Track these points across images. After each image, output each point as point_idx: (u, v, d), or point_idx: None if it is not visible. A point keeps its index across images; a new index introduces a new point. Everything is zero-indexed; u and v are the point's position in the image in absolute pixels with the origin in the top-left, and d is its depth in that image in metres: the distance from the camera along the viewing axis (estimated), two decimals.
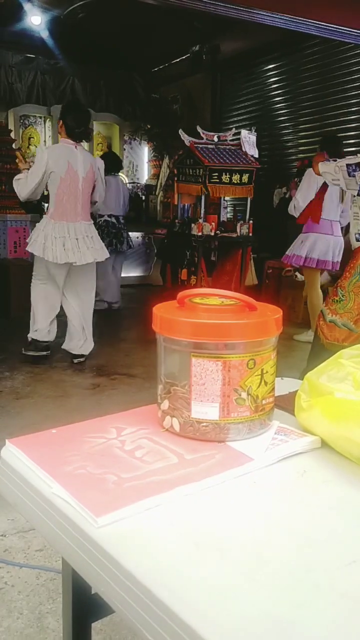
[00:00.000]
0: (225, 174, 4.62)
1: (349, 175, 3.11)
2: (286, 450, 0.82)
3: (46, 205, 4.44)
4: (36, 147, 7.54)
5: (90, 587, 0.88)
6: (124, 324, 5.66)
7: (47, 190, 3.87)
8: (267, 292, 5.60)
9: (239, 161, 4.70)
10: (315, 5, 4.23)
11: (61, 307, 4.07)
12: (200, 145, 4.70)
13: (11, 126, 7.57)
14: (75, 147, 3.80)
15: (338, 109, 5.76)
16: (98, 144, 8.46)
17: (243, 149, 4.75)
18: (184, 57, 7.55)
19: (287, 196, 5.51)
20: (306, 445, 0.84)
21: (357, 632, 0.50)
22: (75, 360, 4.08)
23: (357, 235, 3.14)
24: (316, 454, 0.83)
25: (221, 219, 5.28)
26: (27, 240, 4.05)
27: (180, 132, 4.77)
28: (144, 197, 8.20)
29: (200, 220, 4.74)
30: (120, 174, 7.14)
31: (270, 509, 0.70)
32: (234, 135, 4.93)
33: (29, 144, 7.83)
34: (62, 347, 4.08)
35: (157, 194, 8.14)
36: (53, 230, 3.76)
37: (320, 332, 3.21)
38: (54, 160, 3.70)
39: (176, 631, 0.51)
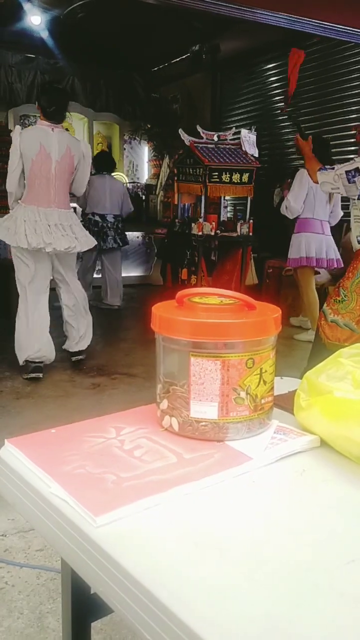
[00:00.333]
0: (226, 174, 4.63)
1: (349, 182, 3.13)
2: (285, 449, 0.82)
3: None
4: None
5: (90, 586, 0.88)
6: (124, 323, 5.66)
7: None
8: (268, 292, 5.59)
9: (239, 160, 4.70)
10: (319, 5, 4.22)
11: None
12: (200, 145, 4.70)
13: (11, 126, 7.57)
14: (52, 129, 3.56)
15: (338, 108, 5.75)
16: (98, 144, 8.46)
17: (243, 148, 4.75)
18: (183, 57, 7.54)
19: (275, 195, 5.57)
20: (305, 445, 0.84)
21: (356, 631, 0.50)
22: (73, 359, 3.96)
23: (358, 238, 3.15)
24: (315, 453, 0.83)
25: (221, 219, 5.28)
26: None
27: (180, 131, 4.77)
28: (144, 197, 8.20)
29: (201, 220, 4.74)
30: (120, 174, 7.13)
31: (270, 508, 0.70)
32: (234, 134, 4.94)
33: None
34: (63, 347, 3.99)
35: (157, 193, 8.14)
36: (23, 214, 3.51)
37: (322, 332, 3.21)
38: (26, 143, 3.50)
39: (175, 631, 0.51)
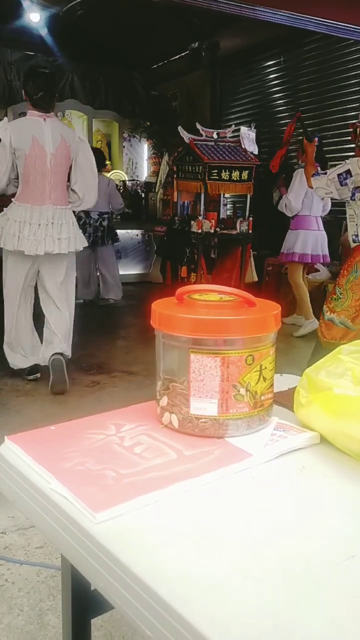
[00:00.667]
0: (225, 171, 4.63)
1: (341, 184, 3.19)
2: (285, 446, 0.82)
3: None
4: None
5: (90, 583, 0.88)
6: (123, 321, 5.66)
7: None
8: (267, 290, 5.60)
9: (238, 158, 4.70)
10: (319, 2, 4.22)
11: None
12: (200, 142, 4.70)
13: None
14: (44, 119, 3.25)
15: (337, 105, 5.75)
16: (97, 141, 8.45)
17: (242, 145, 4.75)
18: (183, 54, 7.53)
19: (274, 192, 5.60)
20: (305, 441, 0.84)
21: (356, 627, 0.50)
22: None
23: (353, 237, 3.19)
24: (315, 450, 0.83)
25: (221, 216, 5.29)
26: None
27: (180, 129, 4.77)
28: (143, 195, 8.19)
29: (200, 218, 4.75)
30: (119, 171, 7.12)
31: (270, 504, 0.70)
32: (233, 132, 4.94)
33: None
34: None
35: (156, 191, 8.13)
36: (14, 214, 3.27)
37: (319, 331, 3.24)
38: (17, 137, 3.19)
39: (175, 627, 0.51)
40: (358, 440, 0.76)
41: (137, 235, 7.49)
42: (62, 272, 3.46)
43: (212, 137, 4.78)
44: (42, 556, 2.01)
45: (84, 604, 0.95)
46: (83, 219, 5.56)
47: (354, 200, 3.14)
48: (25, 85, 3.30)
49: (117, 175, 8.51)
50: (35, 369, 3.63)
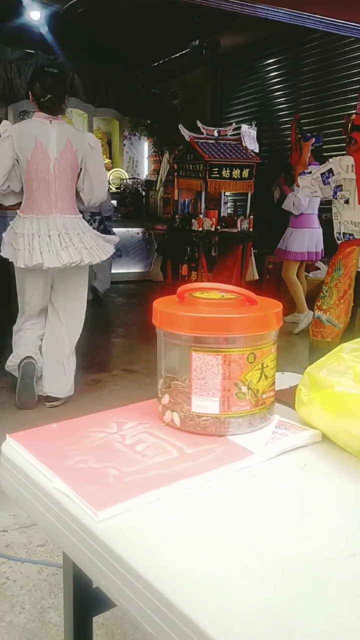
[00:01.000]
0: (226, 169, 4.62)
1: (324, 183, 3.25)
2: (287, 444, 0.82)
3: None
4: None
5: (91, 581, 0.88)
6: (124, 319, 5.66)
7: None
8: (268, 288, 5.60)
9: (239, 156, 4.69)
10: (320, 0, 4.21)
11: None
12: (201, 141, 4.69)
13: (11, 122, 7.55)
14: (50, 121, 3.01)
15: (338, 103, 5.74)
16: (98, 140, 8.45)
17: (243, 143, 4.74)
18: (183, 52, 7.52)
19: (273, 190, 5.62)
20: (306, 439, 0.84)
21: (357, 625, 0.50)
22: (48, 405, 3.24)
23: (337, 235, 3.24)
24: (316, 448, 0.83)
25: (221, 215, 5.29)
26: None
27: (181, 127, 4.76)
28: (144, 193, 8.19)
29: (201, 216, 4.74)
30: (120, 170, 7.10)
31: (271, 502, 0.70)
32: (234, 130, 4.93)
33: None
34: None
35: (157, 189, 8.13)
36: (20, 227, 3.01)
37: (310, 330, 3.31)
38: (19, 141, 2.95)
39: (177, 624, 0.52)
40: (359, 438, 0.77)
41: (137, 233, 7.49)
42: (77, 286, 3.22)
43: (213, 135, 4.77)
44: (44, 554, 2.01)
45: (85, 601, 0.95)
46: None
47: (336, 198, 3.18)
48: (32, 87, 3.08)
49: (118, 173, 8.51)
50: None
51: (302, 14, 4.23)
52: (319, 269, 5.43)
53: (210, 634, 0.49)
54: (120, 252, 7.04)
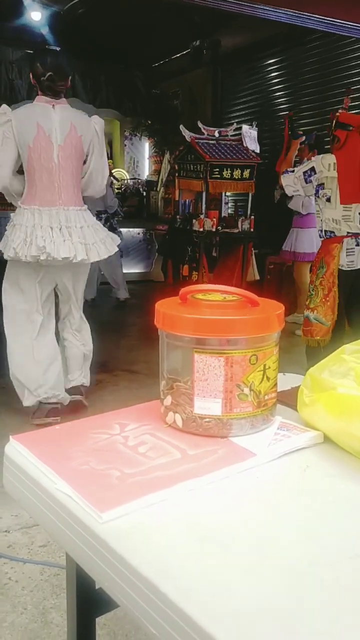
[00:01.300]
0: (226, 170, 4.63)
1: (306, 182, 3.26)
2: (289, 445, 0.82)
3: None
4: None
5: (94, 582, 0.89)
6: (125, 320, 5.66)
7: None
8: (269, 288, 5.60)
9: (240, 156, 4.70)
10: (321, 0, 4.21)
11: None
12: (201, 141, 4.70)
13: None
14: (53, 105, 2.80)
15: (339, 104, 5.73)
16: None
17: (244, 144, 4.75)
18: (184, 52, 7.53)
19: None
20: (309, 441, 0.84)
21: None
22: (72, 397, 3.12)
23: (319, 232, 3.28)
24: (319, 449, 0.84)
25: (222, 215, 5.30)
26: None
27: (181, 127, 4.77)
28: (145, 193, 8.20)
29: (202, 216, 4.75)
30: (121, 170, 7.08)
31: (273, 503, 0.70)
32: (235, 130, 4.93)
33: None
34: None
35: (158, 189, 8.14)
36: (20, 219, 2.81)
37: (301, 329, 3.32)
38: (20, 127, 2.76)
39: (180, 625, 0.52)
40: None
41: (138, 233, 7.50)
42: (80, 285, 3.06)
43: (214, 136, 4.78)
44: (46, 555, 2.01)
45: (88, 602, 0.95)
46: None
47: (318, 197, 3.19)
48: (33, 67, 2.84)
49: (119, 174, 8.52)
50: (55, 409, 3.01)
51: (303, 14, 4.23)
52: None
53: (213, 635, 0.49)
54: (122, 252, 7.04)
